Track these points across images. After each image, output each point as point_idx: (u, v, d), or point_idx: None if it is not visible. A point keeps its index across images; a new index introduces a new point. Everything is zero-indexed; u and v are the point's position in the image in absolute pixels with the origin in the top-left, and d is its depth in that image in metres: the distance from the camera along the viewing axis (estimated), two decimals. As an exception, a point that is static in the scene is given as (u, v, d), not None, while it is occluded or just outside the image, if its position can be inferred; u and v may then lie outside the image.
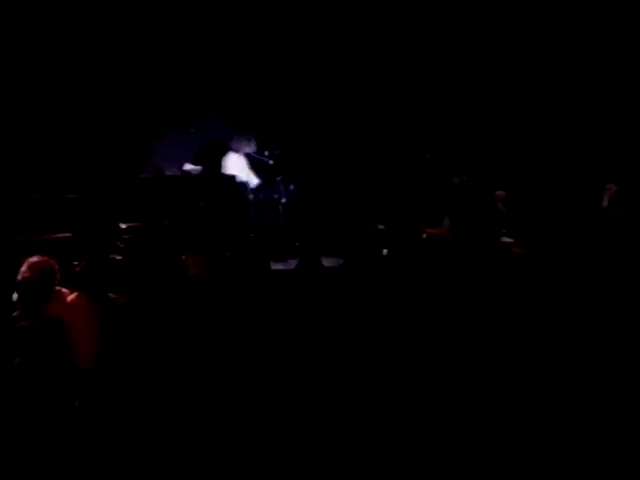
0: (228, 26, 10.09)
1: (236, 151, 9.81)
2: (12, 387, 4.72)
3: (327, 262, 8.13)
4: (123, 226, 8.02)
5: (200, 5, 9.98)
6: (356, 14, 10.21)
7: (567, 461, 4.60)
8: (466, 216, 7.31)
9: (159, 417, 5.00)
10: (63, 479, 4.52)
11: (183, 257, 6.22)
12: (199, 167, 9.61)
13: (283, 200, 9.80)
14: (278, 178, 9.83)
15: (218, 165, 9.77)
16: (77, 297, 5.17)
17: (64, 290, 5.19)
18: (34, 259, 4.97)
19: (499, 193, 8.14)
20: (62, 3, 9.50)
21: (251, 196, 9.61)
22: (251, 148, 9.86)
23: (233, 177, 9.46)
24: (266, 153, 9.95)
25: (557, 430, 4.88)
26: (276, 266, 8.53)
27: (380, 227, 7.85)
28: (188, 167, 9.57)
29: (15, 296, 4.97)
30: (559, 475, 4.55)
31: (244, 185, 9.56)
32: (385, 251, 7.36)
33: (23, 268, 4.92)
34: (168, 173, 9.61)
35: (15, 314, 4.92)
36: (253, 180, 9.79)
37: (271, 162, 9.90)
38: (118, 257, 7.04)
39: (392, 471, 4.64)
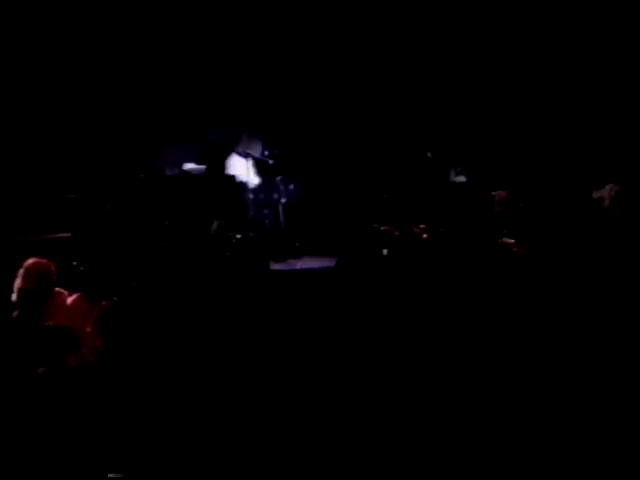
0: (228, 28, 10.09)
1: (240, 152, 9.80)
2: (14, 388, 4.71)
3: (327, 262, 8.16)
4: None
5: (203, 8, 9.97)
6: (355, 13, 10.19)
7: (567, 461, 4.60)
8: (460, 216, 7.31)
9: (158, 417, 5.00)
10: (63, 476, 4.52)
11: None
12: (200, 167, 9.59)
13: (283, 200, 9.79)
14: (278, 178, 9.82)
15: (221, 165, 9.75)
16: (77, 299, 5.16)
17: (64, 292, 5.17)
18: (31, 261, 4.95)
19: (500, 193, 8.11)
20: (63, 3, 9.50)
21: (251, 196, 9.60)
22: (255, 150, 9.86)
23: (233, 177, 9.45)
24: (266, 153, 9.94)
25: (557, 430, 4.87)
26: (276, 266, 8.54)
27: (383, 228, 7.82)
28: (188, 167, 9.56)
29: (14, 297, 4.96)
30: (559, 475, 4.54)
31: (244, 185, 9.55)
32: (385, 251, 7.35)
33: (21, 271, 4.90)
34: (168, 173, 9.60)
35: (15, 314, 4.90)
36: (253, 180, 9.77)
37: (271, 162, 9.89)
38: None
39: (392, 471, 4.64)
